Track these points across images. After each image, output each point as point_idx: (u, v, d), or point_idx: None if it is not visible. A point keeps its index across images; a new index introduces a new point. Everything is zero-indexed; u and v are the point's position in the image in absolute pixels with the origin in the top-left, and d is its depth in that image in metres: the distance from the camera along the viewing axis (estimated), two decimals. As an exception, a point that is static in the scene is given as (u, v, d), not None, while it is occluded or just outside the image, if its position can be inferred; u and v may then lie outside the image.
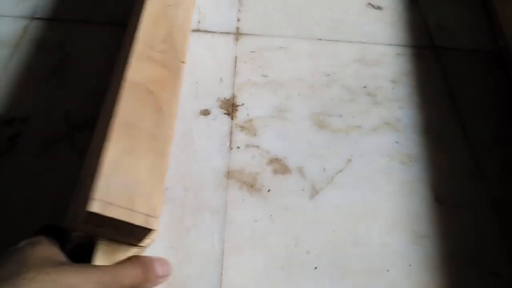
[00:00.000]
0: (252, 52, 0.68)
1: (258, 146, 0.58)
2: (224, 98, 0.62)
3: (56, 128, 0.58)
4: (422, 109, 0.64)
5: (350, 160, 0.58)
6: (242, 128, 0.59)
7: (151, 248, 0.44)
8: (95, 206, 0.35)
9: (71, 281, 0.33)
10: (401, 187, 0.55)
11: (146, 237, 0.39)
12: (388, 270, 0.48)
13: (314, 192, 0.54)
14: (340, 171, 0.57)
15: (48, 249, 0.36)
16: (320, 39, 0.71)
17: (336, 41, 0.71)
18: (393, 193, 0.55)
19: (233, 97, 0.62)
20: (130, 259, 0.39)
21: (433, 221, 0.52)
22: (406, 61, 0.70)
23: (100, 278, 0.34)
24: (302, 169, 0.56)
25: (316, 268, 0.48)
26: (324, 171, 0.56)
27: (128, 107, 0.43)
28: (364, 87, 0.66)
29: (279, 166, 0.56)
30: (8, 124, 0.58)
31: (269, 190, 0.54)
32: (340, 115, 0.62)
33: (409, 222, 0.52)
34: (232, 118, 0.60)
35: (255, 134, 0.59)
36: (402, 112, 0.63)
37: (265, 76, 0.65)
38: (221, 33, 0.70)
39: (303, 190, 0.55)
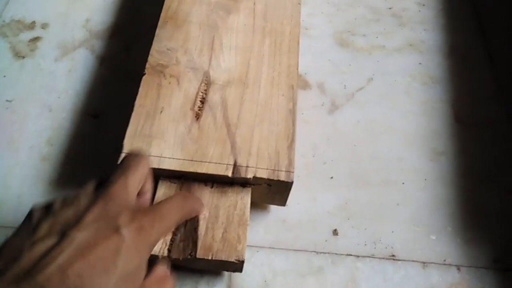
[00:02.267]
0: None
1: (278, 61, 0.57)
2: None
3: (76, 34, 0.58)
4: (448, 32, 0.62)
5: (372, 78, 0.57)
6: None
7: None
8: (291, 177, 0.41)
9: None
10: (422, 106, 0.55)
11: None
12: (403, 183, 0.49)
13: (334, 108, 0.54)
14: (361, 88, 0.56)
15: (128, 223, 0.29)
16: (346, -42, 0.69)
17: (363, -40, 0.69)
18: (413, 112, 0.54)
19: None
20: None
21: (451, 139, 0.52)
22: (434, -16, 0.67)
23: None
24: (322, 85, 0.56)
25: (332, 178, 0.49)
26: (345, 88, 0.56)
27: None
28: (390, 8, 0.64)
29: (300, 81, 0.56)
30: (28, 28, 0.57)
31: (288, 103, 0.54)
32: (364, 35, 0.61)
33: (428, 139, 0.52)
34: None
35: (276, 49, 0.58)
36: (427, 34, 0.62)
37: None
38: None
39: (322, 105, 0.54)
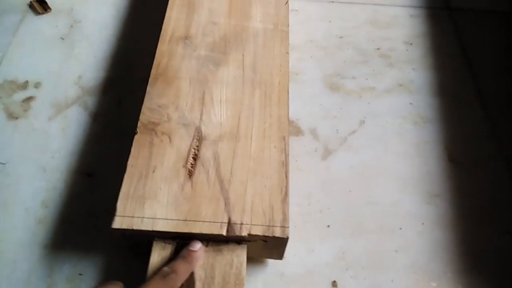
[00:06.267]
0: (263, 14, 0.67)
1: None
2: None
3: (69, 92, 0.58)
4: (436, 70, 0.63)
5: (363, 121, 0.57)
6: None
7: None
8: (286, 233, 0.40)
9: None
10: (414, 148, 0.55)
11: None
12: (401, 228, 0.49)
13: (327, 153, 0.54)
14: (353, 132, 0.56)
15: None
16: (332, 1, 0.70)
17: (348, 3, 0.70)
18: (406, 154, 0.54)
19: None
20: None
21: (446, 180, 0.52)
22: (420, 23, 0.68)
23: None
24: (315, 130, 0.56)
25: (329, 226, 0.49)
26: (337, 132, 0.56)
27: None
28: (378, 49, 0.65)
29: (292, 128, 0.56)
30: (21, 87, 0.58)
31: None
32: (353, 77, 0.62)
33: (422, 182, 0.52)
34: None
35: (267, 96, 0.58)
36: (415, 73, 0.62)
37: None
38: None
39: (315, 151, 0.55)
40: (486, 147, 0.55)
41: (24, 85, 0.58)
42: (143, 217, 0.40)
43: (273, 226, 0.41)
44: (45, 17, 0.65)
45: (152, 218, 0.40)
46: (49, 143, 0.53)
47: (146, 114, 0.47)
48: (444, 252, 0.47)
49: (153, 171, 0.43)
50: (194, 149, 0.45)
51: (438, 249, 0.47)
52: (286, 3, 0.57)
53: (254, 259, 0.45)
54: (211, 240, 0.41)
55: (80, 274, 0.45)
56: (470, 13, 0.70)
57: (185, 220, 0.41)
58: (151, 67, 0.51)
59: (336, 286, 0.45)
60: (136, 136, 0.46)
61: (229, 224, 0.41)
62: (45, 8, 0.66)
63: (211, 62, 0.52)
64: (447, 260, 0.46)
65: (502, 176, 0.53)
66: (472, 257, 0.47)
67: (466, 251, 0.47)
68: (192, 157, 0.45)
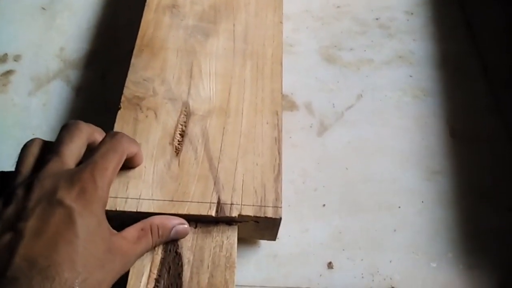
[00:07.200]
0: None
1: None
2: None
3: (50, 65, 0.55)
4: (438, 41, 0.60)
5: (361, 95, 0.55)
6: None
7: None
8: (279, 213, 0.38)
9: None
10: (414, 122, 0.52)
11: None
12: (399, 207, 0.46)
13: (323, 129, 0.52)
14: (351, 106, 0.54)
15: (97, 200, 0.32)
16: (329, -32, 0.66)
17: (347, -30, 0.67)
18: (405, 128, 0.52)
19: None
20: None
21: (447, 156, 0.50)
22: (421, -9, 0.65)
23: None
24: (310, 105, 0.54)
25: (324, 205, 0.46)
26: (334, 106, 0.54)
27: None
28: (377, 19, 0.62)
29: (286, 102, 0.53)
30: (0, 61, 0.55)
31: (275, 127, 0.51)
32: (351, 49, 0.59)
33: (422, 158, 0.50)
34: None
35: (260, 69, 0.56)
36: (416, 44, 0.59)
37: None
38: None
39: (311, 126, 0.52)
40: (489, 122, 0.53)
41: (3, 58, 0.55)
42: (127, 198, 0.38)
43: (265, 206, 0.38)
44: (24, -15, 0.62)
45: (136, 198, 0.38)
46: (30, 119, 0.51)
47: (130, 88, 0.45)
48: (444, 231, 0.45)
49: (138, 149, 0.41)
50: (182, 125, 0.43)
51: (438, 228, 0.45)
52: (280, -32, 0.54)
53: (246, 240, 0.43)
54: (199, 221, 0.39)
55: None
56: (474, -20, 0.67)
57: (172, 201, 0.38)
58: (136, 38, 0.48)
59: (331, 267, 0.43)
60: (119, 112, 0.43)
61: (219, 204, 0.38)
62: (25, -24, 0.62)
63: (200, 32, 0.49)
64: (448, 239, 0.44)
65: (505, 152, 0.50)
66: (473, 236, 0.45)
67: (467, 230, 0.45)
68: (179, 134, 0.42)
